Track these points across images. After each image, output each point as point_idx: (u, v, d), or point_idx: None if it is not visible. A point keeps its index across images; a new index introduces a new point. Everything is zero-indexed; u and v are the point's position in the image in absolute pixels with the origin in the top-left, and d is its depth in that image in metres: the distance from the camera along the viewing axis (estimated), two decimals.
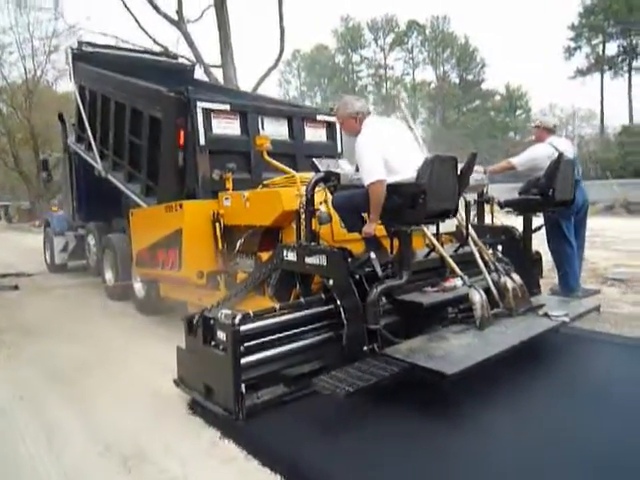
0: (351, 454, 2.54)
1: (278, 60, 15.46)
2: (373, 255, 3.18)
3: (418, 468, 2.43)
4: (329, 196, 3.85)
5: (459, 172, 3.35)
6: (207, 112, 4.92)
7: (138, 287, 6.15)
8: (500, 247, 4.48)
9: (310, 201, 3.50)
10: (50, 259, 10.11)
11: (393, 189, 3.16)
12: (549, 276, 5.49)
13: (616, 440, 2.59)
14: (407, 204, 3.13)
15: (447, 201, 3.32)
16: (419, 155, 3.40)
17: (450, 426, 2.76)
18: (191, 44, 14.30)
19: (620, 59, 40.79)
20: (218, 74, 14.12)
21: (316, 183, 3.55)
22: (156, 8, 14.31)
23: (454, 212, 3.44)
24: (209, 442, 2.78)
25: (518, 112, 47.45)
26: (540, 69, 68.63)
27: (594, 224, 11.26)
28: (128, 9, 14.60)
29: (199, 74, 13.80)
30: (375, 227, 3.30)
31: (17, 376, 4.01)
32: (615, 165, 26.87)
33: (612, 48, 40.77)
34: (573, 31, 41.54)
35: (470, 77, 50.11)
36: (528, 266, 4.37)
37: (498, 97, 47.99)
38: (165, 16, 14.41)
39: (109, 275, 6.96)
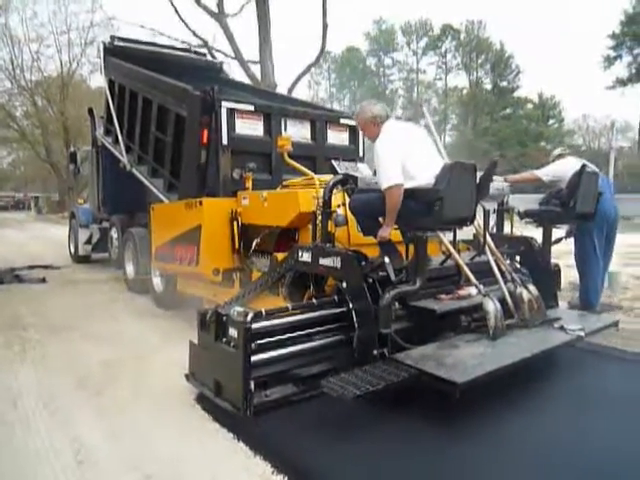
0: (355, 457, 2.56)
1: (319, 57, 15.30)
2: (387, 260, 3.18)
3: (417, 473, 2.45)
4: (347, 199, 3.87)
5: (478, 180, 3.33)
6: (231, 112, 4.99)
7: (157, 281, 6.25)
8: (518, 258, 4.44)
9: (327, 203, 3.52)
10: (74, 250, 10.36)
11: (410, 194, 3.16)
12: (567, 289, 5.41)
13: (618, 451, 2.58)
14: (423, 210, 3.13)
15: (464, 209, 3.30)
16: (438, 161, 3.39)
17: (455, 436, 2.76)
18: (230, 38, 14.25)
19: None
20: (256, 70, 14.14)
21: (334, 185, 3.57)
22: (197, 0, 14.29)
23: (471, 220, 3.42)
24: (261, 477, 2.47)
25: (551, 121, 46.62)
26: (575, 78, 67.64)
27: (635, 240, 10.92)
28: (171, 1, 14.55)
29: (237, 69, 13.92)
30: (390, 232, 3.29)
31: (44, 381, 3.74)
32: None
33: None
34: (613, 40, 40.68)
35: (504, 84, 49.32)
36: (546, 278, 4.31)
37: (530, 105, 47.19)
38: (205, 8, 14.36)
39: (130, 268, 7.11)
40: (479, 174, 3.43)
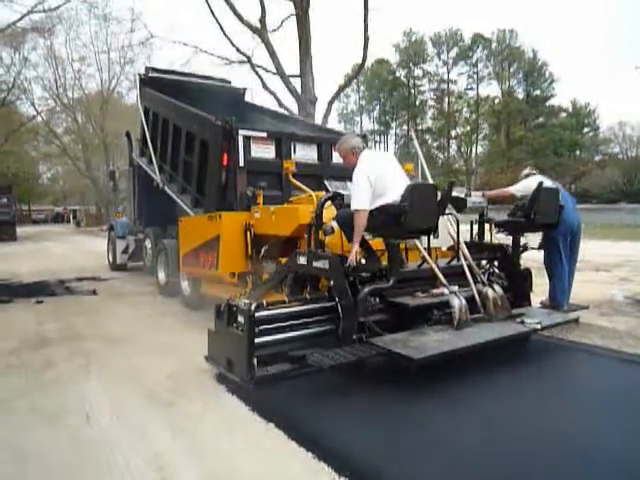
0: (335, 418, 3.27)
1: (360, 69, 15.72)
2: (363, 261, 3.91)
3: (387, 430, 3.13)
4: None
5: (439, 197, 4.05)
6: (247, 138, 5.84)
7: (185, 285, 7.11)
8: (497, 263, 5.10)
9: (319, 216, 4.27)
10: (112, 259, 11.41)
11: (382, 209, 3.91)
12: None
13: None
14: (393, 222, 3.85)
15: (427, 221, 4.02)
16: (404, 182, 4.11)
17: (422, 404, 3.42)
18: (272, 54, 14.49)
19: None
20: (296, 83, 14.44)
21: (325, 202, 4.33)
22: (240, 17, 14.51)
23: (434, 230, 4.13)
24: None
25: (585, 130, 45.78)
26: (610, 85, 66.70)
27: None
28: (217, 19, 14.94)
29: (278, 83, 14.39)
30: (356, 254, 3.89)
31: (112, 394, 3.81)
32: None
33: None
34: None
35: (537, 92, 48.48)
36: (519, 280, 4.96)
37: (564, 114, 46.50)
38: (249, 25, 14.61)
39: (161, 275, 8.01)
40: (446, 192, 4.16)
